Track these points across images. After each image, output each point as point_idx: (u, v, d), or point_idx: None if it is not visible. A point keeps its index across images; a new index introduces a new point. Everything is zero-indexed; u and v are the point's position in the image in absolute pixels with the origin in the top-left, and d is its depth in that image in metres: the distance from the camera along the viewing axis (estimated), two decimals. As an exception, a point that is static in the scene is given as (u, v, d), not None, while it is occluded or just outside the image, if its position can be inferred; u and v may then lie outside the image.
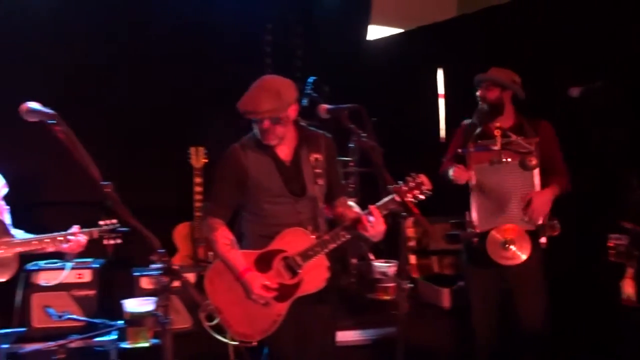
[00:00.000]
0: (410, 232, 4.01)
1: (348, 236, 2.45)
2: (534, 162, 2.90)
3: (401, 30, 5.42)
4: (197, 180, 3.84)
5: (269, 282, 2.41)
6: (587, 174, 3.33)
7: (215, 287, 2.46)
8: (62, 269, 3.24)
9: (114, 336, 3.16)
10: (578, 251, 3.45)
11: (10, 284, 3.18)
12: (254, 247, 2.50)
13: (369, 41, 5.28)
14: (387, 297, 3.69)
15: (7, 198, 2.66)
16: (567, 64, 3.68)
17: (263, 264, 2.45)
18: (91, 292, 3.31)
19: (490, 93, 3.00)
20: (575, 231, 3.22)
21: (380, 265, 3.91)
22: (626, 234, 2.86)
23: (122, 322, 3.28)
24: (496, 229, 2.93)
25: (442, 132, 4.90)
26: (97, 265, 3.37)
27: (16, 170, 2.76)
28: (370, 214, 2.37)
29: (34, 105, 1.97)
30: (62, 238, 2.51)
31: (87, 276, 3.33)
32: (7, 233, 2.45)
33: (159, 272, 3.45)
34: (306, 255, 2.44)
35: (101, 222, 2.63)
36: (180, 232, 3.85)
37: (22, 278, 3.26)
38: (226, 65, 4.42)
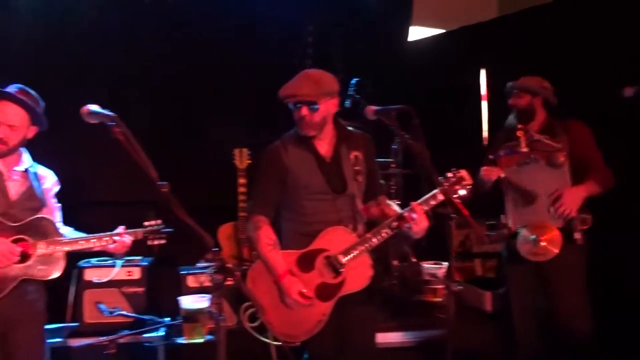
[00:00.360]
0: (455, 234, 3.98)
1: (391, 233, 2.45)
2: (561, 159, 2.91)
3: (442, 31, 5.39)
4: (241, 181, 3.88)
5: (306, 289, 2.41)
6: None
7: (257, 288, 2.47)
8: (113, 266, 3.34)
9: (161, 333, 3.24)
10: (626, 251, 3.36)
11: (64, 280, 3.31)
12: (294, 246, 2.51)
13: (410, 42, 5.25)
14: (435, 299, 3.66)
15: (57, 196, 2.73)
16: (615, 64, 3.59)
17: (305, 263, 2.47)
18: (140, 289, 3.38)
19: (521, 100, 3.07)
20: (623, 230, 3.15)
21: (429, 266, 3.88)
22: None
23: (169, 319, 3.36)
24: (526, 226, 2.95)
25: (485, 135, 4.83)
26: (146, 263, 3.45)
27: (65, 170, 2.83)
28: (412, 210, 2.38)
29: (94, 107, 2.05)
30: (108, 238, 2.57)
31: (136, 274, 3.41)
32: (56, 232, 2.51)
33: (207, 270, 3.57)
34: (349, 254, 2.45)
35: (146, 223, 2.67)
36: (225, 232, 3.91)
37: (75, 275, 3.36)
38: (268, 67, 4.47)
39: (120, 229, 2.61)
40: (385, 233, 2.44)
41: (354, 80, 4.03)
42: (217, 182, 4.09)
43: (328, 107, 2.46)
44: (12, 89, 2.48)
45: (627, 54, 3.54)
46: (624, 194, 2.99)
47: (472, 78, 4.96)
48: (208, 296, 2.98)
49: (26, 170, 2.55)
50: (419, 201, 2.42)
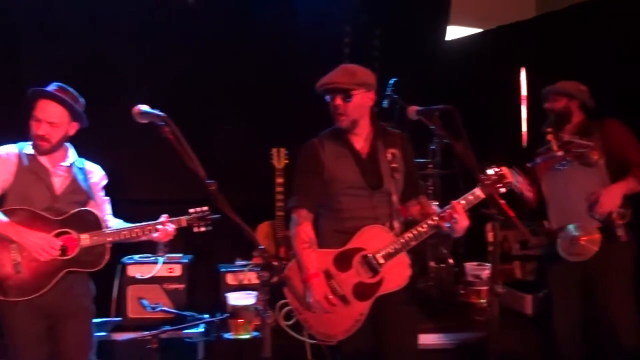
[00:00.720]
0: (490, 236, 3.93)
1: (430, 233, 2.44)
2: (594, 157, 2.88)
3: (479, 30, 5.32)
4: (279, 180, 3.92)
5: (332, 297, 2.41)
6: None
7: (294, 287, 2.47)
8: (155, 263, 3.41)
9: (201, 329, 3.30)
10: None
11: (109, 276, 3.40)
12: (330, 243, 2.50)
13: (448, 41, 5.21)
14: (479, 301, 3.62)
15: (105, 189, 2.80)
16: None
17: (342, 262, 2.46)
18: (181, 286, 3.45)
19: (557, 103, 3.07)
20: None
21: (473, 267, 3.84)
22: None
23: (208, 315, 3.41)
24: (565, 227, 2.93)
25: (524, 136, 4.75)
26: (187, 261, 3.51)
27: (111, 167, 2.89)
28: (453, 209, 2.36)
29: (144, 107, 2.10)
30: (151, 227, 2.60)
31: (177, 270, 3.47)
32: (99, 224, 2.56)
33: (245, 268, 3.61)
34: (387, 253, 2.44)
35: (191, 210, 2.68)
36: (262, 231, 3.96)
37: (119, 270, 3.45)
38: (306, 67, 4.48)
39: (163, 217, 2.64)
40: (424, 232, 2.43)
41: (391, 80, 4.02)
42: (255, 182, 4.14)
43: (363, 99, 2.47)
44: (51, 87, 2.56)
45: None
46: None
47: (511, 78, 4.88)
48: (254, 293, 3.02)
49: (71, 165, 2.63)
50: (460, 199, 2.40)
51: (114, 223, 2.69)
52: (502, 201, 2.30)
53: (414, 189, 2.64)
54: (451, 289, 3.93)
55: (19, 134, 2.62)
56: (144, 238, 2.63)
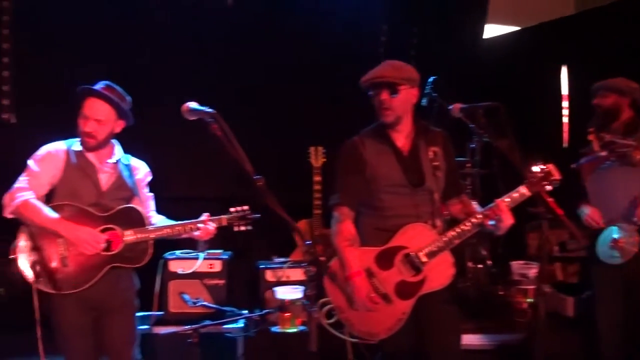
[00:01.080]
0: (531, 237, 3.88)
1: (474, 231, 2.41)
2: (637, 156, 2.82)
3: (517, 28, 5.25)
4: (317, 178, 3.94)
5: (374, 295, 2.40)
6: None
7: (337, 285, 2.46)
8: (196, 258, 3.46)
9: (240, 324, 3.33)
10: None
11: (151, 270, 3.47)
12: (372, 242, 2.49)
13: (485, 39, 5.15)
14: (525, 300, 3.57)
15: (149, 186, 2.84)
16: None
17: (384, 261, 2.45)
18: (221, 282, 3.49)
19: (607, 99, 3.02)
20: None
21: (520, 266, 3.79)
22: None
23: (247, 311, 3.45)
24: (606, 229, 2.91)
25: (565, 136, 4.66)
26: (226, 257, 3.56)
27: (154, 164, 2.92)
28: (497, 207, 2.34)
29: (193, 105, 2.14)
30: (192, 225, 2.63)
31: (217, 266, 3.52)
32: (143, 220, 2.60)
33: (284, 265, 3.63)
34: (430, 252, 2.42)
35: (232, 209, 2.71)
36: (301, 229, 3.97)
37: (161, 265, 3.51)
38: (343, 66, 4.50)
39: (204, 216, 2.66)
40: (468, 230, 2.41)
41: (430, 79, 3.99)
42: (292, 180, 4.16)
43: (408, 95, 2.46)
44: (99, 85, 2.61)
45: None
46: None
47: (550, 76, 4.80)
48: (302, 287, 3.03)
49: (117, 162, 2.67)
50: (504, 197, 2.37)
51: (157, 220, 2.73)
52: (550, 199, 2.26)
53: (455, 187, 2.61)
54: (489, 290, 3.88)
55: (66, 132, 2.67)
56: (185, 236, 2.67)
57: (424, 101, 3.90)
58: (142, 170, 2.78)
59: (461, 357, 2.60)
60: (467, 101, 2.74)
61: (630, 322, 2.97)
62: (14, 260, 2.44)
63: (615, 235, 2.86)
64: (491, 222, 2.37)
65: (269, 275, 3.59)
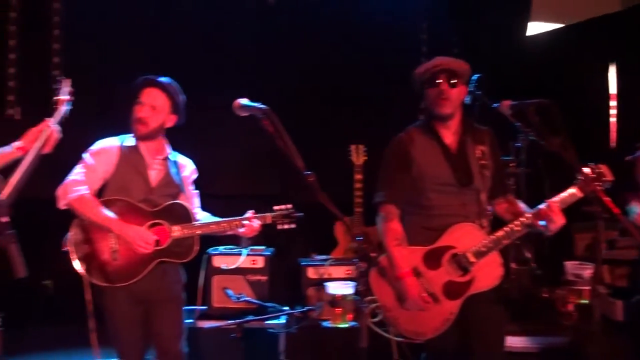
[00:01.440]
0: (579, 237, 3.78)
1: (523, 232, 2.37)
2: None
3: (560, 25, 5.12)
4: (357, 177, 3.92)
5: (425, 295, 2.38)
6: None
7: (382, 284, 2.44)
8: (239, 254, 3.50)
9: (282, 320, 3.36)
10: None
11: (195, 265, 3.52)
12: (417, 241, 2.47)
13: (529, 37, 5.05)
14: (581, 301, 3.48)
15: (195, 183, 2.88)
16: None
17: (431, 260, 2.43)
18: (263, 278, 3.53)
19: None
20: None
21: (574, 266, 3.70)
22: None
23: (288, 307, 3.47)
24: None
25: (613, 136, 4.53)
26: (269, 253, 3.59)
27: (201, 162, 2.97)
28: (549, 208, 2.30)
29: (245, 101, 2.17)
30: (237, 222, 2.66)
31: (260, 262, 3.55)
32: (190, 217, 2.64)
33: (326, 263, 3.63)
34: (478, 252, 2.39)
35: (275, 207, 2.72)
36: (341, 227, 3.98)
37: (205, 260, 3.56)
38: (384, 64, 4.50)
39: (249, 213, 2.69)
40: (517, 231, 2.37)
41: (475, 76, 3.93)
42: (333, 178, 4.16)
43: (462, 90, 2.46)
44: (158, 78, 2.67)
45: None
46: None
47: (596, 74, 4.68)
48: (353, 283, 3.03)
49: (166, 159, 2.72)
50: (555, 198, 2.33)
51: (202, 216, 2.77)
52: (607, 198, 2.20)
53: (501, 186, 2.58)
54: (533, 292, 3.80)
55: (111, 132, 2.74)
56: (230, 232, 2.70)
57: (468, 99, 3.83)
58: (188, 168, 2.82)
59: (504, 358, 2.56)
60: (511, 100, 2.70)
61: None
62: (67, 253, 2.50)
63: None
64: (541, 223, 2.33)
65: (311, 273, 3.60)
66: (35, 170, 2.35)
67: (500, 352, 2.50)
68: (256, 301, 3.39)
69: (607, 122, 4.59)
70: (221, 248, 3.60)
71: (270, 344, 3.31)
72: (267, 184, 4.49)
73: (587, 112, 4.63)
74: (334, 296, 3.14)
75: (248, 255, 3.51)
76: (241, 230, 2.67)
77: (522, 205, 2.56)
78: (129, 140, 2.68)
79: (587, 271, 3.64)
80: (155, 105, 2.62)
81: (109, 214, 2.52)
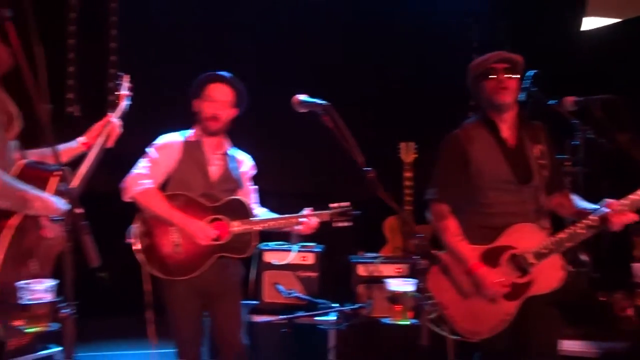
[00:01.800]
0: (638, 240, 3.63)
1: (588, 235, 2.32)
2: None
3: (617, 20, 4.95)
4: (407, 174, 3.89)
5: (503, 280, 2.35)
6: None
7: (440, 281, 2.43)
8: (289, 250, 3.52)
9: (332, 317, 3.36)
10: None
11: (247, 260, 3.57)
12: (475, 240, 2.43)
13: (584, 32, 4.90)
14: None
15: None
16: None
17: (489, 260, 2.39)
18: (313, 274, 3.53)
19: None
20: None
21: None
22: None
23: (338, 304, 3.47)
24: None
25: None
26: (319, 250, 3.60)
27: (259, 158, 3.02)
28: (616, 210, 2.24)
29: (304, 97, 2.18)
30: (295, 220, 2.68)
31: (310, 259, 3.56)
32: (249, 212, 2.68)
33: (376, 260, 3.62)
34: (539, 253, 2.35)
35: (333, 205, 2.72)
36: (390, 225, 3.96)
37: (256, 256, 3.60)
38: (434, 61, 4.45)
39: (307, 210, 2.70)
40: (581, 234, 2.32)
41: (530, 72, 3.84)
42: (382, 176, 4.14)
43: (518, 83, 2.43)
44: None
45: None
46: None
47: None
48: (414, 280, 3.02)
49: (225, 154, 2.76)
50: (622, 200, 2.27)
51: (259, 212, 2.80)
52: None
53: (558, 181, 2.53)
54: (589, 295, 3.68)
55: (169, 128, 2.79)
56: (287, 229, 2.72)
57: (522, 95, 3.75)
58: (246, 163, 2.86)
59: None
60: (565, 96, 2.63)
61: None
62: (130, 245, 2.58)
63: None
64: (609, 224, 2.27)
65: (361, 270, 3.59)
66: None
67: (554, 355, 2.45)
68: (307, 297, 3.40)
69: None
70: (272, 244, 3.63)
71: (319, 340, 3.32)
72: (317, 181, 4.52)
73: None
74: (394, 292, 3.13)
75: (298, 251, 3.53)
76: (298, 227, 2.69)
77: (578, 201, 2.50)
78: (191, 135, 2.73)
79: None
80: (225, 101, 2.67)
81: (172, 208, 2.57)
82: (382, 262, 3.56)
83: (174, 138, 2.72)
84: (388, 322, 3.19)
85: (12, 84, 1.94)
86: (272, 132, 4.08)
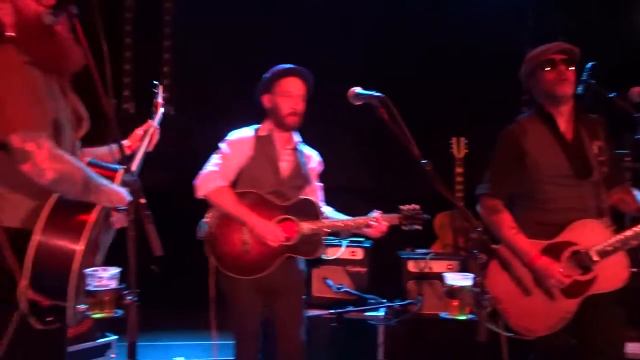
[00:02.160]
0: None
1: None
2: None
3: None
4: (458, 170, 3.84)
5: (565, 269, 2.29)
6: None
7: (496, 276, 2.36)
8: (339, 245, 3.52)
9: (381, 313, 3.34)
10: None
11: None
12: (531, 237, 2.37)
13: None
14: None
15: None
16: None
17: (549, 256, 2.33)
18: (362, 270, 3.52)
19: None
20: None
21: None
22: None
23: (386, 300, 3.45)
24: None
25: None
26: (368, 245, 3.59)
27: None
28: None
29: (359, 90, 2.16)
30: (364, 222, 2.60)
31: (359, 254, 3.56)
32: (318, 213, 2.63)
33: (426, 257, 3.58)
34: (603, 251, 2.27)
35: (402, 207, 2.65)
36: (441, 221, 3.91)
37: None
38: (486, 56, 4.37)
39: (377, 213, 2.63)
40: None
41: (589, 65, 3.71)
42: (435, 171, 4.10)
43: (575, 75, 2.40)
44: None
45: None
46: None
47: None
48: (472, 275, 3.01)
49: (294, 149, 2.72)
50: None
51: (326, 210, 2.74)
52: None
53: (617, 175, 2.46)
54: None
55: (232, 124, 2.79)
56: (355, 231, 2.68)
57: (580, 89, 3.63)
58: (314, 159, 2.81)
59: None
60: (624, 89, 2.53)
61: None
62: (201, 242, 2.58)
63: None
64: None
65: (411, 266, 3.56)
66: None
67: (620, 355, 2.38)
68: (356, 292, 3.40)
69: None
70: (323, 239, 3.64)
71: (368, 335, 3.31)
72: (367, 177, 4.52)
73: None
74: (451, 287, 3.09)
75: (348, 246, 3.52)
76: (367, 230, 2.63)
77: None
78: (262, 130, 2.69)
79: None
80: (300, 95, 2.62)
81: (243, 208, 2.55)
82: (432, 259, 3.52)
83: (247, 133, 2.68)
84: (445, 316, 3.15)
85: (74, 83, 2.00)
86: (331, 127, 4.07)
